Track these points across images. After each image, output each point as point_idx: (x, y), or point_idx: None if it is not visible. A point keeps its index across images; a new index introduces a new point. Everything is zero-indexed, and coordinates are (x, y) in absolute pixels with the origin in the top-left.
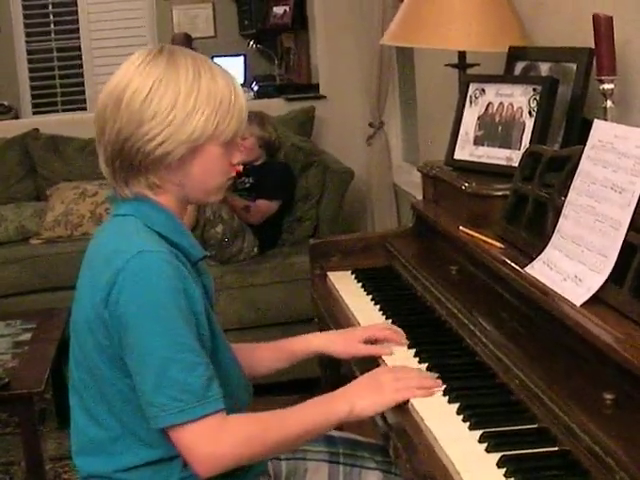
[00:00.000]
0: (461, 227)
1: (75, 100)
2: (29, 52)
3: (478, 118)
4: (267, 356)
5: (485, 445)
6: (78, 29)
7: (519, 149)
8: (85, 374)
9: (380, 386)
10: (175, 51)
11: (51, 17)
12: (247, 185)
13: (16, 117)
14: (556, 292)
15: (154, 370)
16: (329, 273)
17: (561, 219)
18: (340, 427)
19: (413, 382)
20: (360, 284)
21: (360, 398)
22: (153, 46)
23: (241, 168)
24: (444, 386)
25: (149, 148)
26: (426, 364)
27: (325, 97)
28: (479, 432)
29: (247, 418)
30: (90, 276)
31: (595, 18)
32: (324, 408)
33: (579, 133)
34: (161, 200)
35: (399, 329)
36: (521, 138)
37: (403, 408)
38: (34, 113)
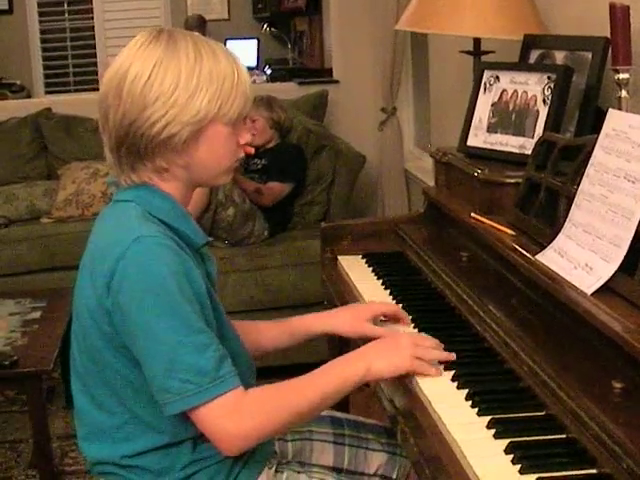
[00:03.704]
0: (472, 214)
1: (87, 80)
2: (42, 32)
3: (492, 105)
4: (273, 333)
5: (493, 431)
6: (91, 9)
7: (532, 137)
8: (89, 361)
9: (398, 348)
10: (174, 33)
11: None
12: (259, 167)
13: (28, 96)
14: (566, 280)
15: (164, 356)
16: (340, 257)
17: (573, 208)
18: (347, 408)
19: (431, 354)
20: (371, 268)
21: (377, 358)
22: (153, 29)
23: (253, 150)
24: (453, 371)
25: (154, 131)
26: None
27: (338, 82)
28: (488, 418)
29: (265, 390)
30: (91, 264)
31: (611, 7)
32: (341, 370)
33: (593, 122)
34: (166, 186)
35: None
36: (535, 126)
37: (411, 392)
38: (46, 92)
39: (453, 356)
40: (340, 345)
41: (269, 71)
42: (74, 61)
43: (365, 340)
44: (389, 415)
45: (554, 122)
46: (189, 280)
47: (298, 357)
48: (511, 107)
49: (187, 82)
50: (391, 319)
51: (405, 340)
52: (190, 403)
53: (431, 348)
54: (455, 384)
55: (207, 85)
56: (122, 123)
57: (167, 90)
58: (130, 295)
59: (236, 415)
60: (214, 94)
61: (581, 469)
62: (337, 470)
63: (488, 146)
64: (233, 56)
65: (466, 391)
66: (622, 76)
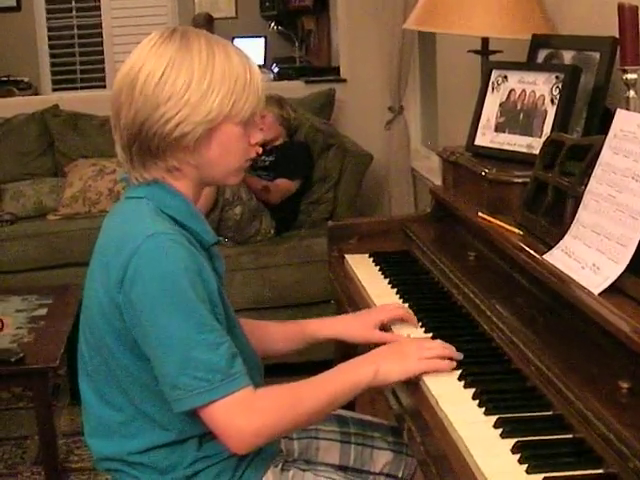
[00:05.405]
0: (480, 213)
1: (94, 77)
2: (50, 29)
3: (500, 105)
4: (282, 336)
5: (500, 430)
6: (99, 6)
7: (540, 137)
8: (97, 357)
9: (404, 353)
10: (188, 32)
11: None
12: (266, 163)
13: (36, 93)
14: (574, 280)
15: (177, 353)
16: (347, 256)
17: (581, 208)
18: (352, 407)
19: (436, 351)
20: (378, 267)
21: (385, 362)
22: (166, 28)
23: (260, 150)
24: (460, 371)
25: (166, 130)
26: None
27: (345, 80)
28: (494, 417)
29: (276, 390)
30: (102, 260)
31: (620, 7)
32: (350, 373)
33: (600, 122)
34: (178, 184)
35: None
36: (542, 126)
37: (418, 391)
38: (54, 89)
39: (460, 355)
40: (347, 345)
41: (276, 69)
42: (81, 58)
43: (372, 346)
44: (395, 414)
45: (562, 122)
46: (201, 278)
47: (306, 355)
48: (519, 107)
49: (200, 82)
50: (399, 322)
51: (410, 345)
52: (202, 400)
53: (437, 350)
54: (462, 383)
55: (220, 85)
56: (134, 121)
57: (179, 89)
58: (143, 291)
59: (248, 412)
60: (226, 94)
61: (588, 469)
62: (343, 468)
63: (496, 145)
64: (246, 56)
65: (473, 390)
66: (630, 76)
